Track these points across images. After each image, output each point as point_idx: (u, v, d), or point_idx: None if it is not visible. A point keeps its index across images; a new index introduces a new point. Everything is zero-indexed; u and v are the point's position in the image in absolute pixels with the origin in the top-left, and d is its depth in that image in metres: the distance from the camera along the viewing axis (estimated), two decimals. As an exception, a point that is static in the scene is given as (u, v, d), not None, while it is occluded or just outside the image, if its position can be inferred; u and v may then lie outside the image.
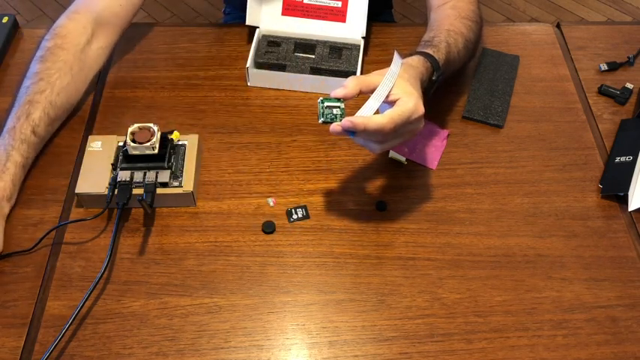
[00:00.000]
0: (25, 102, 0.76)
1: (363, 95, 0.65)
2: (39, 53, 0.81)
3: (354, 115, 0.63)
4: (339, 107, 0.65)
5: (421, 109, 0.65)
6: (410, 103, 0.64)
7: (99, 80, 0.89)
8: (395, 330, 0.66)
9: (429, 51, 0.75)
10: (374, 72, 0.66)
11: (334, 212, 0.76)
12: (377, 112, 0.64)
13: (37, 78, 0.78)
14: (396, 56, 0.67)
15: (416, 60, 0.72)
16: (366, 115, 0.63)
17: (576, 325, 0.67)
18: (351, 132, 0.63)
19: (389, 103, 0.65)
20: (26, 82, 0.79)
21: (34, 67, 0.80)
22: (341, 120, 0.63)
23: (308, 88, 0.89)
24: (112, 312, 0.67)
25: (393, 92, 0.65)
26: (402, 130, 0.65)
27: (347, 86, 0.64)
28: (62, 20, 0.84)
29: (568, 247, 0.73)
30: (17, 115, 0.76)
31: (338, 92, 0.64)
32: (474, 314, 0.67)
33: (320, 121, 0.64)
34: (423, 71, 0.72)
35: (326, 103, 0.65)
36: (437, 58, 0.75)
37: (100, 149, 0.76)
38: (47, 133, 0.79)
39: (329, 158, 0.81)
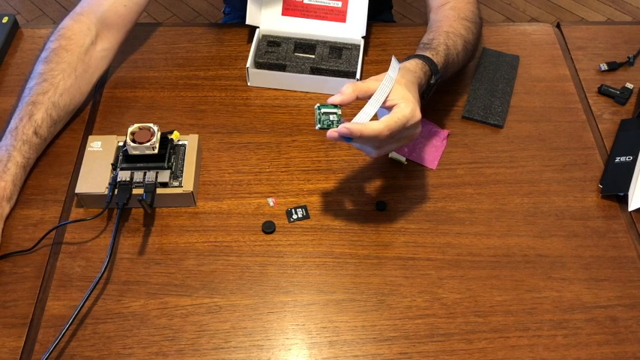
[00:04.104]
0: (27, 103, 0.77)
1: (360, 101, 0.65)
2: (43, 54, 0.81)
3: (351, 120, 0.63)
4: (335, 113, 0.65)
5: (418, 115, 0.65)
6: (407, 109, 0.64)
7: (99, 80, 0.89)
8: (395, 330, 0.66)
9: (428, 54, 0.75)
10: (371, 77, 0.66)
11: (334, 212, 0.76)
12: (375, 116, 0.64)
13: (40, 79, 0.78)
14: (393, 61, 0.67)
15: (414, 64, 0.72)
16: (363, 122, 0.63)
17: (576, 325, 0.67)
18: (347, 138, 0.63)
19: (386, 108, 0.65)
20: (29, 83, 0.79)
21: (38, 68, 0.80)
22: (338, 126, 0.63)
23: (308, 88, 0.89)
24: (112, 312, 0.67)
25: (390, 98, 0.65)
26: (398, 136, 0.65)
27: (344, 93, 0.64)
28: (67, 22, 0.84)
29: (568, 247, 0.73)
30: (20, 116, 0.76)
31: (335, 99, 0.64)
32: (474, 314, 0.68)
33: (317, 127, 0.65)
34: (420, 75, 0.72)
35: (323, 110, 0.65)
36: (435, 61, 0.74)
37: (100, 149, 0.76)
38: (50, 134, 0.79)
39: (329, 158, 0.81)
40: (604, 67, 0.93)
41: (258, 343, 0.65)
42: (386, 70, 0.67)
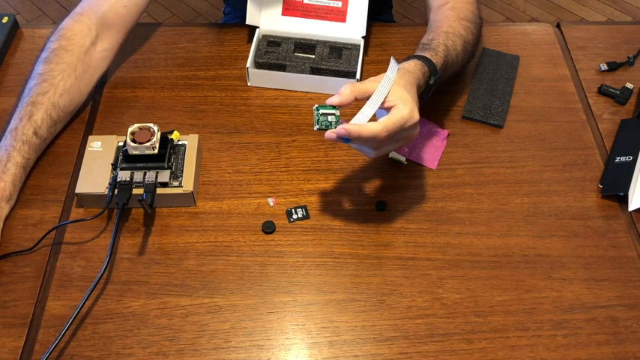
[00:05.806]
0: (27, 103, 0.76)
1: (359, 102, 0.65)
2: (43, 55, 0.81)
3: (349, 121, 0.64)
4: (334, 114, 0.65)
5: (416, 117, 0.65)
6: (405, 110, 0.64)
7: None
8: (395, 330, 0.66)
9: (427, 54, 0.75)
10: (370, 78, 0.66)
11: (334, 212, 0.76)
12: (374, 117, 0.64)
13: (40, 79, 0.78)
14: (392, 62, 0.67)
15: (413, 65, 0.72)
16: (361, 123, 0.63)
17: (576, 325, 0.67)
18: (345, 139, 0.63)
19: (385, 109, 0.65)
20: (29, 84, 0.79)
21: (38, 68, 0.80)
22: (336, 127, 0.64)
23: (308, 88, 0.89)
24: (112, 312, 0.67)
25: (389, 98, 0.65)
26: (396, 137, 0.65)
27: (342, 94, 0.64)
28: (67, 22, 0.84)
29: (568, 247, 0.73)
30: (19, 116, 0.76)
31: (333, 100, 0.64)
32: (474, 314, 0.68)
33: (315, 128, 0.65)
34: (419, 76, 0.71)
35: (321, 111, 0.65)
36: (434, 62, 0.74)
37: (100, 149, 0.76)
38: (49, 134, 0.79)
39: (329, 158, 0.81)
40: (604, 67, 0.93)
41: (258, 343, 0.65)
42: (386, 70, 0.67)
